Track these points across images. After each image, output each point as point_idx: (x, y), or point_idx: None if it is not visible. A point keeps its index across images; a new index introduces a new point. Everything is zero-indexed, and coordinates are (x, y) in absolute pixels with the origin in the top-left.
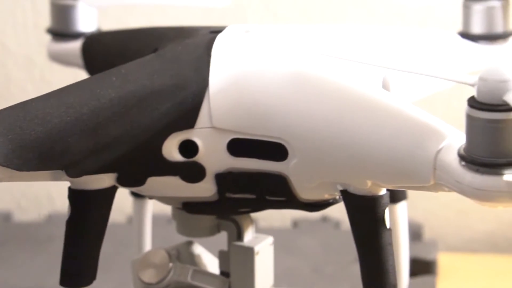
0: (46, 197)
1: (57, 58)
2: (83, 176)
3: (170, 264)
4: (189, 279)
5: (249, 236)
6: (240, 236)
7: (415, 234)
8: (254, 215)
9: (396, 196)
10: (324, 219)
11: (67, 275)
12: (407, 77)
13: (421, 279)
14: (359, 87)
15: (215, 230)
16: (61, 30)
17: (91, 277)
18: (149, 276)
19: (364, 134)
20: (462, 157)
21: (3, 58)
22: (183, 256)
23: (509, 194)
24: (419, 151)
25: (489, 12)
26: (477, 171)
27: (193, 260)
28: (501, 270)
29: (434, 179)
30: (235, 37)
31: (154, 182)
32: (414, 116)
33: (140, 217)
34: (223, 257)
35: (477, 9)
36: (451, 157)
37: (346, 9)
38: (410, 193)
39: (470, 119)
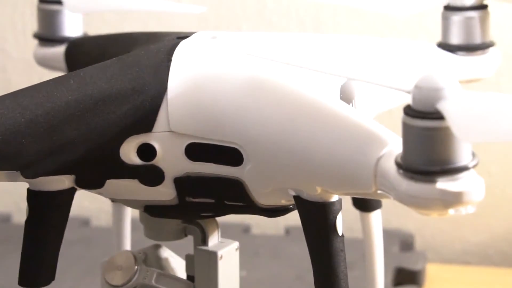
0: None
1: (43, 63)
2: (40, 178)
3: (136, 267)
4: (153, 282)
5: (214, 240)
6: (204, 241)
7: (405, 244)
8: (246, 221)
9: (370, 205)
10: None
11: (25, 275)
12: (373, 87)
13: None
14: (309, 94)
15: (182, 234)
16: (46, 35)
17: (49, 277)
18: (115, 278)
19: (311, 140)
20: (398, 165)
21: (3, 63)
22: (150, 259)
23: (442, 201)
24: (361, 157)
25: (467, 23)
26: (411, 178)
27: (159, 263)
28: (491, 282)
29: (375, 186)
30: (198, 43)
31: (113, 185)
32: (358, 122)
33: (119, 220)
34: (190, 261)
35: (455, 19)
36: (390, 164)
37: (339, 17)
38: None
39: (405, 126)
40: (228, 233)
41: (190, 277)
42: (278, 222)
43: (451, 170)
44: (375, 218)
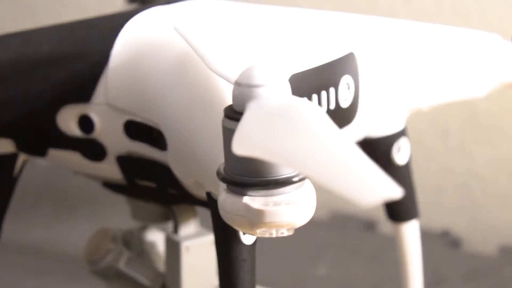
0: None
1: None
2: None
3: (110, 246)
4: (121, 265)
5: (189, 230)
6: (176, 228)
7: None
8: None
9: (402, 214)
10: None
11: None
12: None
13: None
14: (216, 81)
15: (163, 217)
16: None
17: None
18: (89, 254)
19: (197, 132)
20: (218, 173)
21: None
22: (135, 241)
23: (247, 219)
24: (221, 158)
25: None
26: (226, 189)
27: (141, 246)
28: None
29: None
30: (159, 11)
31: (58, 155)
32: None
33: None
34: None
35: None
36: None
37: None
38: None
39: (223, 129)
40: None
41: None
42: None
43: (263, 183)
44: (411, 230)
